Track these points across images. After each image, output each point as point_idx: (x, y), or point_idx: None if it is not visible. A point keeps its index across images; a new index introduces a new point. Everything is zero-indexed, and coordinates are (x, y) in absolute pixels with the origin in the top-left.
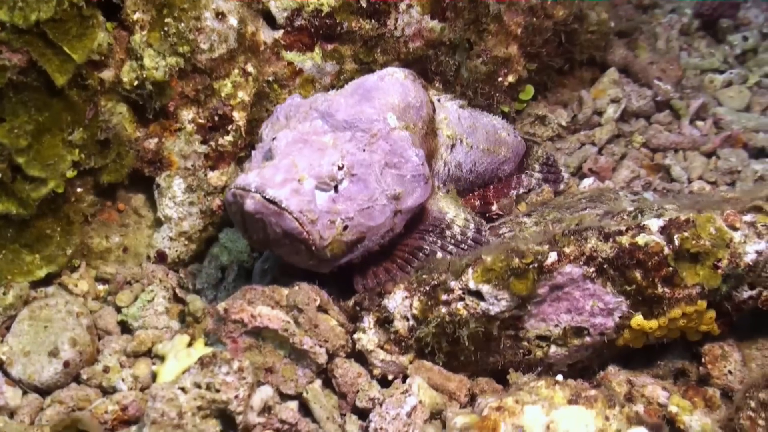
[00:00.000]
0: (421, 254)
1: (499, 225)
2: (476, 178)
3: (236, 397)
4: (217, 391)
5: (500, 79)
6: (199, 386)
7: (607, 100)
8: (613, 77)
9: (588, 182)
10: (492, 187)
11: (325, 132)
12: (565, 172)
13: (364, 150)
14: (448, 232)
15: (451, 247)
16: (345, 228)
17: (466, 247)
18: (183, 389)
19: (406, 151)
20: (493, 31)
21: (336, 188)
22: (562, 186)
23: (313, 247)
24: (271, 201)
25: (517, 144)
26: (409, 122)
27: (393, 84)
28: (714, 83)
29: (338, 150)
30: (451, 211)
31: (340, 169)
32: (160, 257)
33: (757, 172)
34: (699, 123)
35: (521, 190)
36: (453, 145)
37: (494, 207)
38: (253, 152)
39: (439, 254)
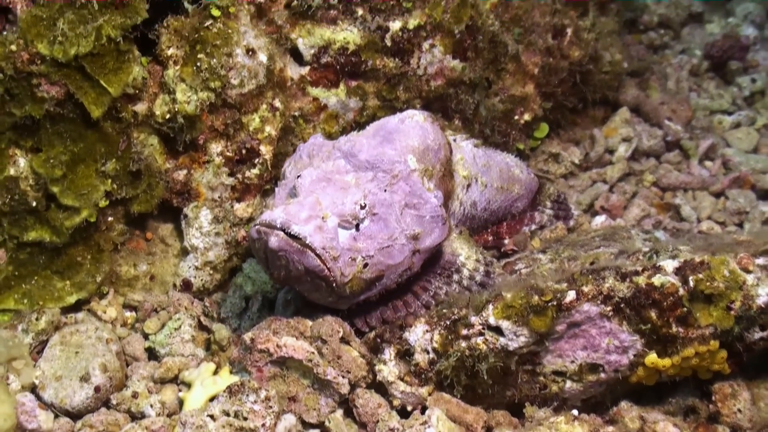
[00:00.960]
0: (423, 298)
1: (515, 261)
2: (490, 215)
3: (263, 425)
4: (245, 419)
5: (516, 117)
6: (227, 414)
7: (618, 139)
8: (624, 116)
9: (600, 219)
10: (505, 223)
11: (348, 171)
12: (575, 210)
13: (385, 190)
14: (456, 276)
15: (455, 290)
16: (365, 266)
17: (472, 291)
18: (212, 416)
19: (425, 192)
20: (511, 70)
21: (358, 227)
22: (571, 223)
23: (334, 284)
24: (295, 238)
25: (530, 181)
26: (428, 165)
27: (413, 127)
28: (723, 124)
29: (361, 189)
30: (464, 252)
31: (362, 208)
32: (186, 286)
33: (765, 213)
34: (708, 163)
35: (533, 227)
36: (469, 185)
37: (507, 242)
38: (276, 189)
39: (443, 298)
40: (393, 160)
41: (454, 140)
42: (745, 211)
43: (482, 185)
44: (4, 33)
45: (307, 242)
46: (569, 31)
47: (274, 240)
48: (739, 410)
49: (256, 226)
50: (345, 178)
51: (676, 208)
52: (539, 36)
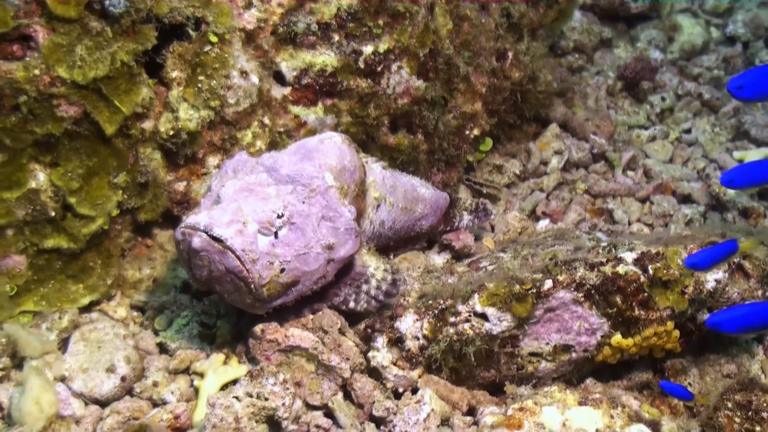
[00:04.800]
0: (334, 300)
1: (479, 260)
2: (394, 234)
3: (283, 404)
4: (266, 399)
5: (467, 132)
6: (250, 395)
7: (551, 152)
8: (555, 132)
9: (544, 223)
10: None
11: (269, 184)
12: (494, 211)
13: (303, 202)
14: (364, 287)
15: (362, 302)
16: (282, 270)
17: (375, 303)
18: (237, 398)
19: (340, 207)
20: (462, 90)
21: (276, 234)
22: (492, 216)
23: (252, 285)
24: (217, 239)
25: (437, 199)
26: (344, 183)
27: (332, 147)
28: (641, 138)
29: (281, 200)
30: (373, 264)
31: (279, 217)
32: (185, 287)
33: (687, 215)
34: (630, 173)
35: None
36: (378, 206)
37: (456, 245)
38: (201, 200)
39: (351, 305)
40: (312, 176)
41: (366, 162)
42: (669, 214)
43: (390, 205)
44: (27, 58)
45: (228, 244)
46: (510, 54)
47: (197, 240)
48: (690, 384)
49: (181, 228)
50: (266, 189)
51: (609, 213)
52: (485, 59)
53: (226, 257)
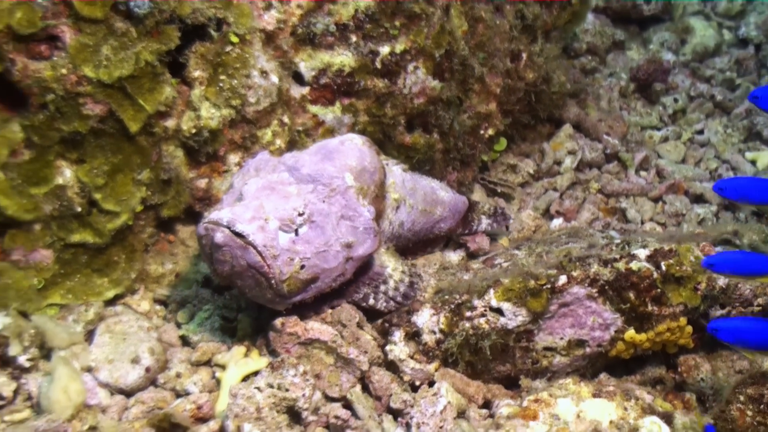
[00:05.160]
0: (355, 296)
1: (494, 257)
2: (413, 235)
3: (303, 395)
4: (287, 390)
5: (482, 132)
6: (271, 386)
7: (564, 152)
8: (568, 132)
9: (557, 222)
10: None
11: (291, 183)
12: (512, 216)
13: (323, 201)
14: (382, 287)
15: (381, 300)
16: (302, 267)
17: (393, 303)
18: (258, 388)
19: (360, 207)
20: (477, 90)
21: (297, 231)
22: (510, 221)
23: (273, 281)
24: (239, 235)
25: (456, 202)
26: (363, 183)
27: (352, 149)
28: (653, 139)
29: (301, 198)
30: (391, 265)
31: (300, 215)
32: (207, 282)
33: (699, 215)
34: (643, 173)
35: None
36: (398, 207)
37: (471, 246)
38: (223, 197)
39: (371, 302)
40: (332, 176)
41: (387, 164)
42: (681, 214)
43: (409, 207)
44: (54, 58)
45: (250, 239)
46: (524, 55)
47: (220, 236)
48: (702, 379)
49: (204, 224)
50: (288, 188)
51: (622, 212)
52: (500, 60)
53: (247, 252)
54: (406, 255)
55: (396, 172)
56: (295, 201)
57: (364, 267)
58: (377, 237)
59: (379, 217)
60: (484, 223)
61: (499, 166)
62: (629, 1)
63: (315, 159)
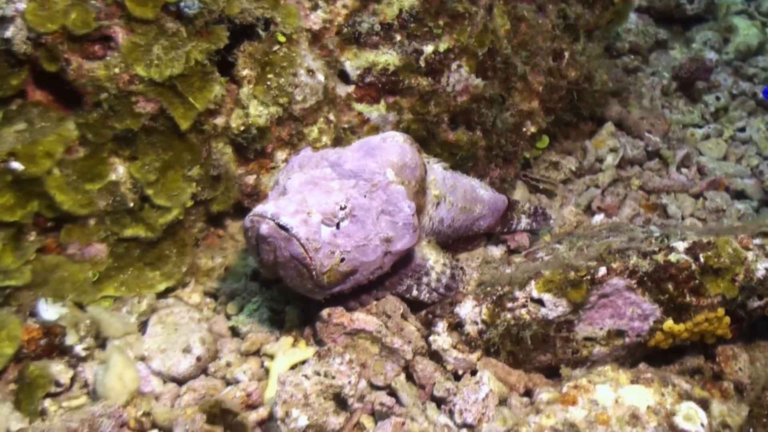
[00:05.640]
0: (398, 289)
1: (535, 251)
2: (453, 232)
3: (349, 383)
4: (333, 378)
5: (525, 129)
6: (318, 374)
7: (606, 150)
8: (610, 130)
9: (598, 218)
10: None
11: (333, 178)
12: (553, 215)
13: (365, 196)
14: (425, 279)
15: (424, 291)
16: (342, 260)
17: (436, 295)
18: (306, 376)
19: (400, 202)
20: (520, 88)
21: (338, 225)
22: (551, 223)
23: (314, 272)
24: (283, 227)
25: (495, 201)
26: (404, 179)
27: (394, 145)
28: (695, 136)
29: (343, 193)
30: (432, 258)
31: (342, 209)
32: (255, 275)
33: (740, 210)
34: (684, 170)
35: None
36: (438, 203)
37: (512, 244)
38: (269, 192)
39: (414, 293)
40: (374, 171)
41: (428, 162)
42: (722, 209)
43: (449, 204)
44: (108, 58)
45: (293, 232)
46: (566, 54)
47: (265, 228)
48: (740, 369)
49: (250, 216)
50: (330, 183)
51: (663, 208)
52: (542, 58)
53: (291, 244)
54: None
55: (437, 170)
56: (337, 195)
57: (406, 259)
58: (416, 232)
59: (419, 212)
60: (524, 222)
61: (542, 163)
62: (672, 0)
63: (357, 155)
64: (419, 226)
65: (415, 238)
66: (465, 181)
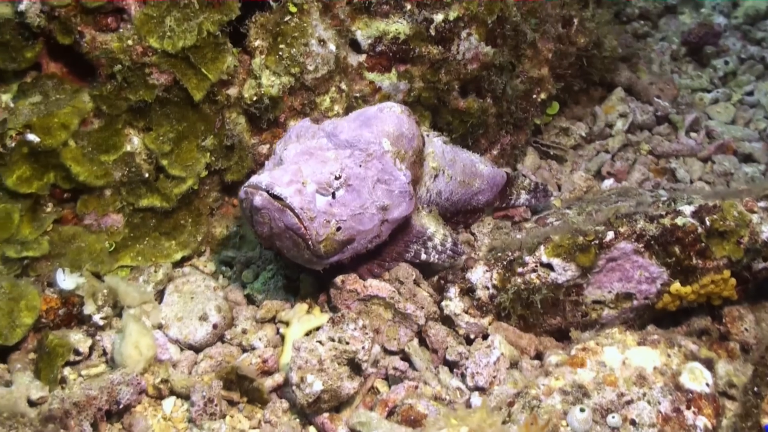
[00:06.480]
0: (406, 256)
1: (545, 216)
2: (451, 205)
3: (362, 348)
4: (347, 343)
5: (534, 96)
6: (332, 340)
7: (616, 115)
8: (620, 95)
9: (608, 183)
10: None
11: (329, 149)
12: (555, 193)
13: (360, 166)
14: (429, 243)
15: (432, 253)
16: (338, 229)
17: (445, 256)
18: (320, 342)
19: (396, 171)
20: (530, 55)
21: (334, 195)
22: (552, 200)
23: (310, 242)
24: (278, 198)
25: (494, 176)
26: (400, 149)
27: (390, 116)
28: (703, 101)
29: (338, 163)
30: (432, 227)
31: (337, 179)
32: None
33: (747, 174)
34: (693, 134)
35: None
36: (436, 176)
37: (516, 218)
38: (266, 162)
39: (423, 257)
40: (369, 141)
41: (427, 135)
42: (730, 173)
43: (448, 177)
44: (121, 30)
45: (287, 202)
46: (575, 21)
47: (258, 199)
48: (746, 329)
49: (244, 188)
50: (326, 153)
51: (672, 172)
52: (551, 25)
53: (285, 215)
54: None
55: (436, 143)
56: (333, 165)
57: (405, 228)
58: (413, 200)
59: (416, 182)
60: (523, 197)
61: (552, 129)
62: None
63: (353, 125)
64: (416, 195)
65: (412, 206)
66: (465, 155)
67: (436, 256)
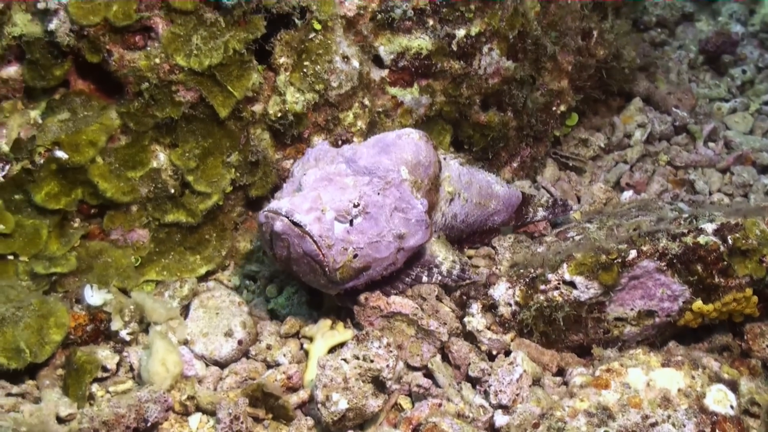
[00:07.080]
0: (408, 279)
1: (566, 230)
2: (466, 227)
3: (387, 366)
4: (372, 361)
5: (554, 108)
6: (357, 357)
7: (634, 125)
8: (638, 106)
9: (628, 194)
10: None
11: (348, 175)
12: (574, 206)
13: (378, 194)
14: (435, 270)
15: (435, 276)
16: (355, 256)
17: (449, 280)
18: (345, 360)
19: (413, 199)
20: (550, 68)
21: (352, 222)
22: (571, 214)
23: (327, 269)
24: (297, 224)
25: (509, 196)
26: (417, 177)
27: (408, 143)
28: (721, 110)
29: (357, 190)
30: (441, 254)
31: (355, 206)
32: None
33: (766, 185)
34: (711, 144)
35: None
36: (452, 199)
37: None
38: (284, 185)
39: (425, 279)
40: (388, 169)
41: (444, 159)
42: (749, 184)
43: (464, 200)
44: (148, 48)
45: (307, 229)
46: (595, 33)
47: (279, 224)
48: (767, 347)
49: (264, 212)
50: (344, 179)
51: (691, 183)
52: (571, 38)
53: (304, 241)
54: (460, 245)
55: (453, 166)
56: (351, 193)
57: (415, 255)
58: (428, 229)
59: (431, 209)
60: (540, 215)
61: (571, 141)
62: None
63: (372, 152)
64: (431, 223)
65: (428, 234)
66: (481, 176)
67: (438, 278)
